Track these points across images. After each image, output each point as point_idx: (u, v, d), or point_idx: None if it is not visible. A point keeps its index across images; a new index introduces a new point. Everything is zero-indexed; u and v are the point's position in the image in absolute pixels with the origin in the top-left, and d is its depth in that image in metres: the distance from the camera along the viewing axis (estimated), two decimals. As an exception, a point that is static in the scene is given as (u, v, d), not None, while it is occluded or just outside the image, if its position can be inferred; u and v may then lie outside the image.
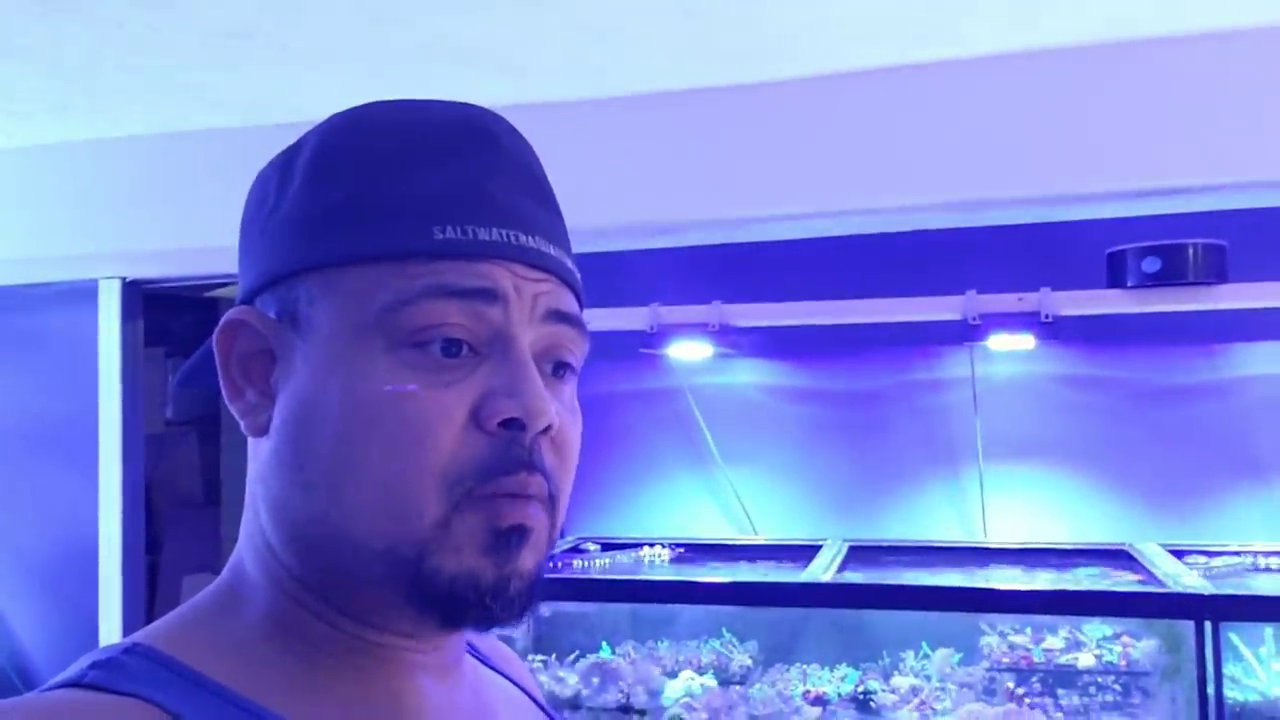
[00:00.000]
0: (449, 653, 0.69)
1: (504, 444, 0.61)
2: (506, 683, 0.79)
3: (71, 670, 0.60)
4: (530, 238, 0.64)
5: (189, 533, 4.66)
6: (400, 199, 0.62)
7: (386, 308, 0.61)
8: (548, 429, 0.62)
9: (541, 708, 0.81)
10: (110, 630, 3.03)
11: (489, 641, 0.83)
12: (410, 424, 0.60)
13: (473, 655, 0.77)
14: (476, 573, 0.60)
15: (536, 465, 0.62)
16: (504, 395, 0.61)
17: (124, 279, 3.10)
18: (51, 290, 3.13)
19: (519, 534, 0.61)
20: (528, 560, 0.62)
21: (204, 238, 2.80)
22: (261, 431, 0.65)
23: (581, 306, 0.68)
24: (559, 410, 0.64)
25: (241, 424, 0.66)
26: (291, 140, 0.69)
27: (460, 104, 0.68)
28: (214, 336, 0.66)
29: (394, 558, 0.60)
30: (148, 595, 3.46)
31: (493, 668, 0.79)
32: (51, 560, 3.11)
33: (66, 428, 3.10)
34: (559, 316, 0.64)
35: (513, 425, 0.61)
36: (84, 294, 3.10)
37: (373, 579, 0.61)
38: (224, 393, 0.66)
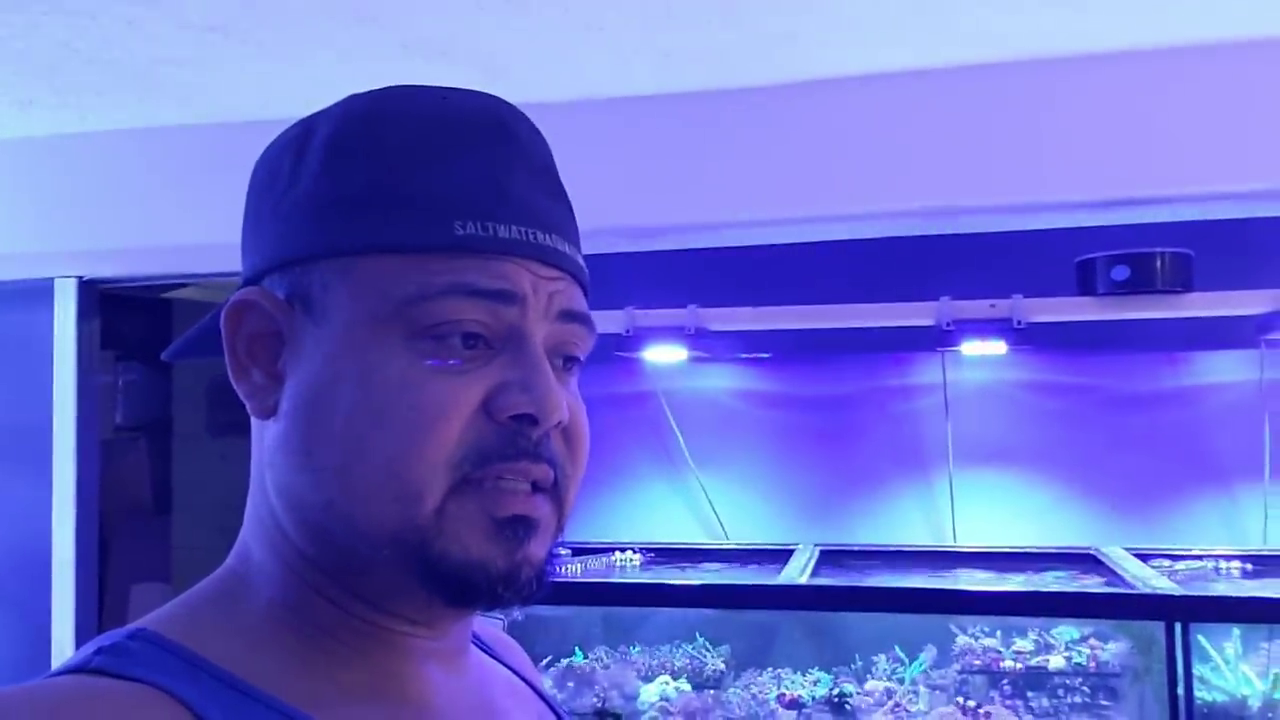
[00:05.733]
0: (455, 640, 0.70)
1: (511, 434, 0.62)
2: (509, 673, 0.80)
3: (76, 656, 0.60)
4: (547, 236, 0.65)
5: (137, 541, 4.56)
6: (421, 191, 0.63)
7: (407, 300, 0.61)
8: (558, 424, 0.63)
9: (544, 698, 0.81)
10: (63, 638, 2.95)
11: (492, 632, 0.84)
12: (422, 410, 0.60)
13: (476, 644, 0.77)
14: (486, 561, 0.61)
15: (543, 456, 0.63)
16: (518, 390, 0.62)
17: (81, 278, 3.03)
18: (5, 289, 3.05)
19: (525, 525, 0.62)
20: (537, 549, 0.63)
21: (165, 237, 2.75)
22: (268, 413, 0.65)
23: (588, 300, 0.69)
24: (572, 405, 0.65)
25: (247, 405, 0.67)
26: (261, 138, 0.69)
27: (479, 94, 0.68)
28: (222, 316, 0.66)
29: (399, 542, 0.61)
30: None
31: (496, 658, 0.80)
32: (2, 566, 3.03)
33: (19, 431, 3.02)
34: (571, 316, 0.66)
35: (524, 420, 0.62)
36: (39, 293, 3.02)
37: (381, 563, 0.62)
38: (230, 372, 0.67)
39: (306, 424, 0.63)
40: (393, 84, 0.69)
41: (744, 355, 2.77)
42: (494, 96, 0.69)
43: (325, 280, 0.63)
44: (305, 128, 0.68)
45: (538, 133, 0.70)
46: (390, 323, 0.62)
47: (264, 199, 0.68)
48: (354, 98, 0.68)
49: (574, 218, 0.70)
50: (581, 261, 0.69)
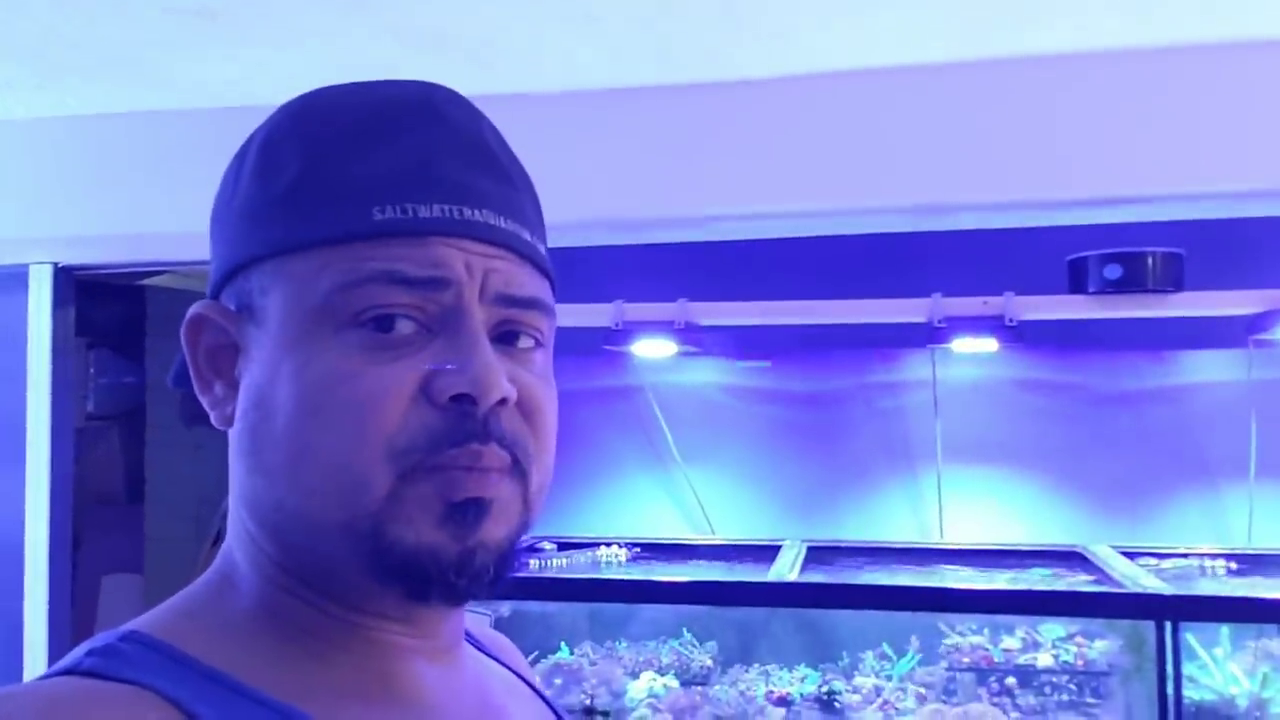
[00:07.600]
0: (445, 639, 0.69)
1: (456, 417, 0.60)
2: (506, 671, 0.79)
3: (68, 658, 0.59)
4: (477, 212, 0.63)
5: (110, 531, 4.50)
6: (340, 182, 0.62)
7: (332, 291, 0.61)
8: (504, 401, 0.62)
9: (541, 696, 0.81)
10: (36, 631, 2.90)
11: (488, 632, 0.84)
12: (357, 400, 0.60)
13: (471, 643, 0.77)
14: (436, 547, 0.60)
15: (491, 435, 0.61)
16: (454, 371, 0.60)
17: (57, 265, 2.97)
18: (-21, 275, 2.99)
19: (476, 506, 0.61)
20: (493, 531, 0.62)
21: (142, 224, 2.70)
22: (228, 423, 0.66)
23: (550, 278, 0.67)
24: (527, 381, 0.63)
25: (211, 416, 0.67)
26: (245, 125, 0.69)
27: (407, 82, 0.67)
28: (181, 333, 0.67)
29: (350, 532, 0.60)
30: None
31: (491, 656, 0.79)
32: (-26, 558, 2.97)
33: (-8, 419, 2.97)
34: (512, 301, 0.64)
35: (464, 400, 0.60)
36: (14, 280, 2.97)
37: (336, 557, 0.61)
38: (195, 387, 0.67)
39: (253, 427, 0.63)
40: (372, 77, 0.68)
41: (747, 364, 2.75)
42: (424, 82, 0.67)
43: (262, 284, 0.64)
44: (249, 139, 0.68)
45: (474, 112, 0.68)
46: (320, 317, 0.61)
47: (216, 214, 0.68)
48: (287, 102, 0.68)
49: (524, 196, 0.67)
50: (529, 237, 0.66)
